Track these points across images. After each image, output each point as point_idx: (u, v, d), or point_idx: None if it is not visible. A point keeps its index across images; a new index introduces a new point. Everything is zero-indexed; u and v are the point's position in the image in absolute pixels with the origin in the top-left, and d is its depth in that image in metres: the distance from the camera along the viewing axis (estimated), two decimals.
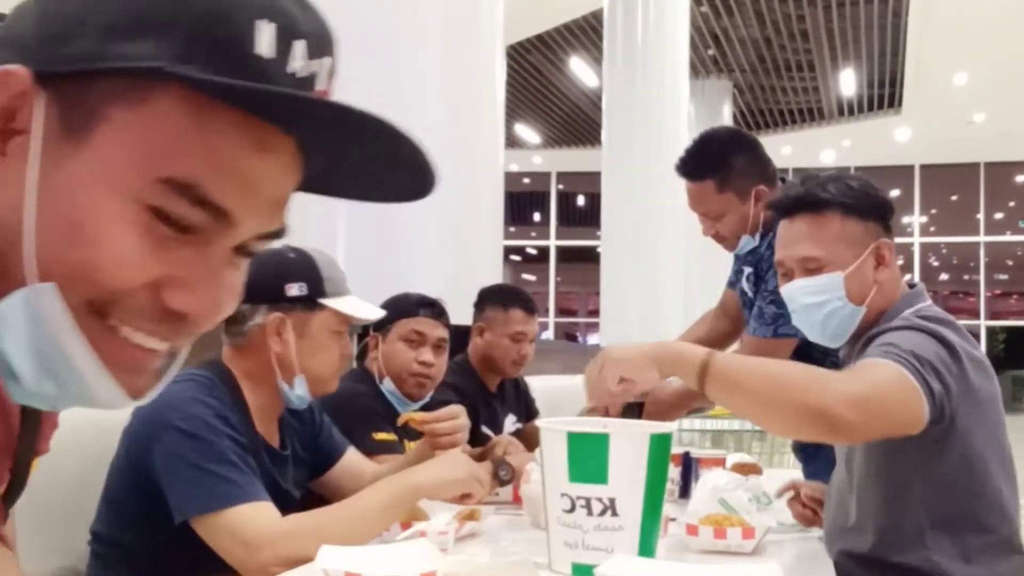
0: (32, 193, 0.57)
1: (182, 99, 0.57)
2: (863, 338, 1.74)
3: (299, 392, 1.82)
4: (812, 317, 1.78)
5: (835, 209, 1.73)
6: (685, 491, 2.36)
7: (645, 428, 1.55)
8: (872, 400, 1.49)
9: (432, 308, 2.50)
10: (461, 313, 3.25)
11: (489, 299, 3.06)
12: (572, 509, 1.48)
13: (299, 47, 0.60)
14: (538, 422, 1.63)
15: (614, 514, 1.46)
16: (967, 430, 1.65)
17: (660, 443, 1.50)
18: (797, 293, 1.78)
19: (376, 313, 1.92)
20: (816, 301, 1.75)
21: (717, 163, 2.45)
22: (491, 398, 3.04)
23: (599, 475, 1.46)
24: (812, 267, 1.75)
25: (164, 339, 0.63)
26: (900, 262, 1.84)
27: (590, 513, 1.47)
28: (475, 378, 3.00)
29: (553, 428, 1.52)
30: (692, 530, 1.76)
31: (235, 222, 0.61)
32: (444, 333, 2.52)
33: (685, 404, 2.40)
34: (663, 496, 1.53)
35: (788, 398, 1.49)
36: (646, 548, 1.50)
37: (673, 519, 1.86)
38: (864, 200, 1.74)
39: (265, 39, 0.58)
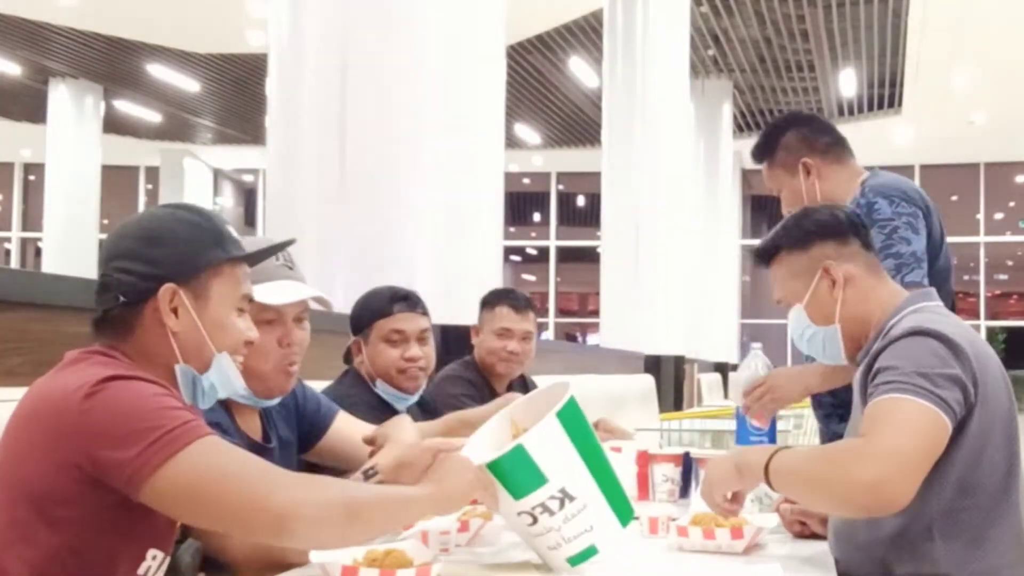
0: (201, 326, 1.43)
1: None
2: (869, 354, 1.73)
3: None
4: (803, 346, 1.95)
5: (781, 251, 1.92)
6: (685, 491, 2.36)
7: (548, 410, 1.51)
8: (886, 477, 1.51)
9: (407, 301, 2.44)
10: (461, 313, 3.25)
11: (482, 302, 3.09)
12: (535, 521, 1.49)
13: None
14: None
15: (571, 499, 1.48)
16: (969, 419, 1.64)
17: (569, 413, 1.49)
18: (790, 330, 1.96)
19: (298, 294, 1.83)
20: (797, 334, 1.93)
21: (767, 143, 2.60)
22: None
23: (537, 479, 1.47)
24: (783, 307, 1.95)
25: None
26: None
27: (552, 513, 1.48)
28: (482, 378, 3.03)
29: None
30: (682, 531, 1.77)
31: None
32: (425, 323, 2.46)
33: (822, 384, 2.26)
34: (605, 457, 1.54)
35: (826, 496, 1.60)
36: (622, 512, 1.52)
37: (675, 519, 1.86)
38: (798, 231, 1.91)
39: None
